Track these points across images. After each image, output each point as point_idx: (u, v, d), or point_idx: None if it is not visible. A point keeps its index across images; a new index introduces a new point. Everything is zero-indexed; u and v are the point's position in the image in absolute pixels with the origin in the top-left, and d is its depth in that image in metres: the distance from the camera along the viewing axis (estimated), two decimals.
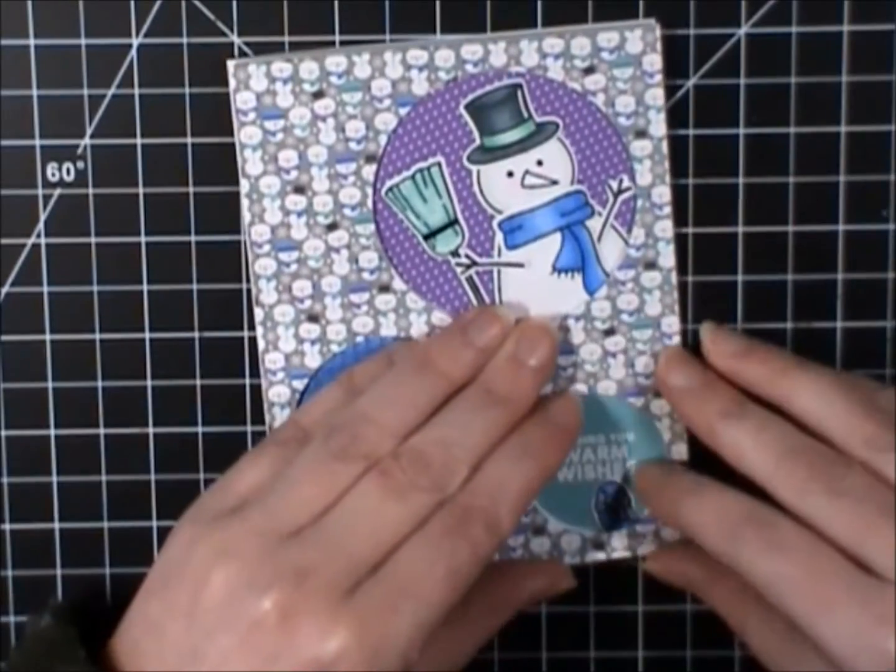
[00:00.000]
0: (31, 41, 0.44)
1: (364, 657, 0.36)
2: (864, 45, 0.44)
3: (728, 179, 0.44)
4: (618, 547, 0.45)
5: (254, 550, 0.37)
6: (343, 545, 0.37)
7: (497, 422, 0.40)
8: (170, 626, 0.37)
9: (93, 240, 0.44)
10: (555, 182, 0.43)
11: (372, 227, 0.43)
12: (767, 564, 0.38)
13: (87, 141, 0.44)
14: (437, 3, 0.43)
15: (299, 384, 0.44)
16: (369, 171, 0.43)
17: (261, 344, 0.44)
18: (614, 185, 0.43)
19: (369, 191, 0.43)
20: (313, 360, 0.44)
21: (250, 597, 0.37)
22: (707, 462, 0.42)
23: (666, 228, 0.43)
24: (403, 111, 0.43)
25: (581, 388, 0.44)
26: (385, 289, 0.43)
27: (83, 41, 0.44)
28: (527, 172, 0.43)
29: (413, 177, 0.43)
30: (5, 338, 0.45)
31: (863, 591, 0.37)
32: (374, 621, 0.37)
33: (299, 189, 0.43)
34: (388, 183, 0.43)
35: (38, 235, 0.44)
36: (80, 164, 0.44)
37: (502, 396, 0.40)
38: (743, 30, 0.44)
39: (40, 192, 0.44)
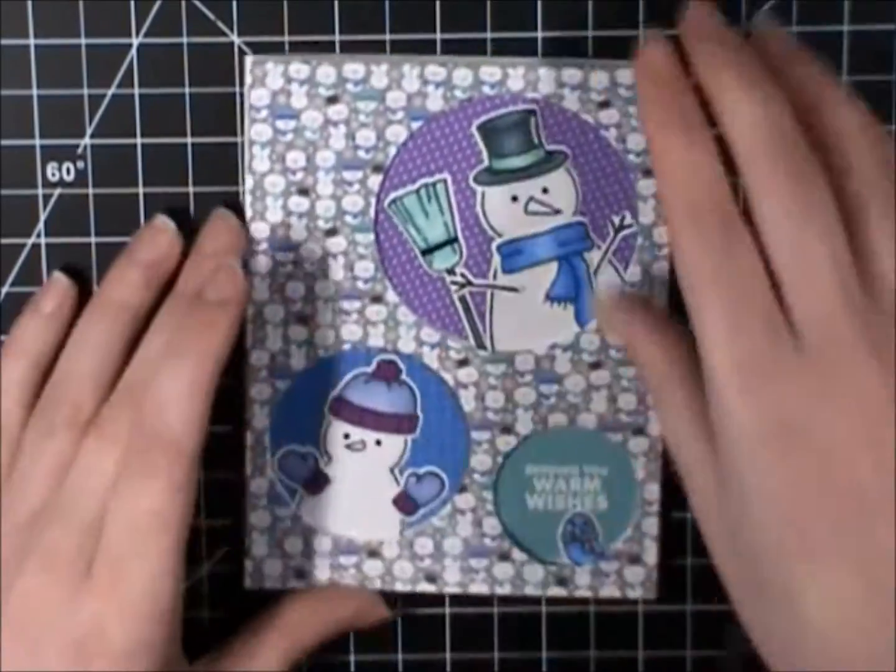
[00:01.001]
0: (31, 41, 0.44)
1: (117, 621, 0.37)
2: (864, 45, 0.44)
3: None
4: (581, 585, 0.44)
5: (4, 545, 0.38)
6: (73, 512, 0.38)
7: (216, 335, 0.39)
8: None
9: (93, 240, 0.44)
10: (558, 211, 0.43)
11: (371, 236, 0.43)
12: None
13: (87, 141, 0.44)
14: (437, 3, 0.44)
15: (282, 384, 0.44)
16: (375, 180, 0.43)
17: (248, 340, 0.44)
18: (616, 220, 0.43)
19: (372, 200, 0.43)
20: (298, 363, 0.44)
21: (5, 592, 0.38)
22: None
23: (663, 269, 0.43)
24: (415, 125, 0.43)
25: (561, 418, 0.44)
26: (377, 299, 0.43)
27: (83, 41, 0.44)
28: (531, 199, 0.43)
29: (418, 191, 0.43)
30: (5, 338, 0.45)
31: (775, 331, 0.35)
32: (113, 585, 0.37)
33: (303, 191, 0.43)
34: (393, 195, 0.43)
35: (38, 235, 0.44)
36: (80, 164, 0.44)
37: (214, 302, 0.40)
38: (743, 30, 0.44)
39: (40, 192, 0.44)
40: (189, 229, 0.43)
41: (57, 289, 0.43)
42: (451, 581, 0.44)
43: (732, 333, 0.35)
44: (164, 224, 0.43)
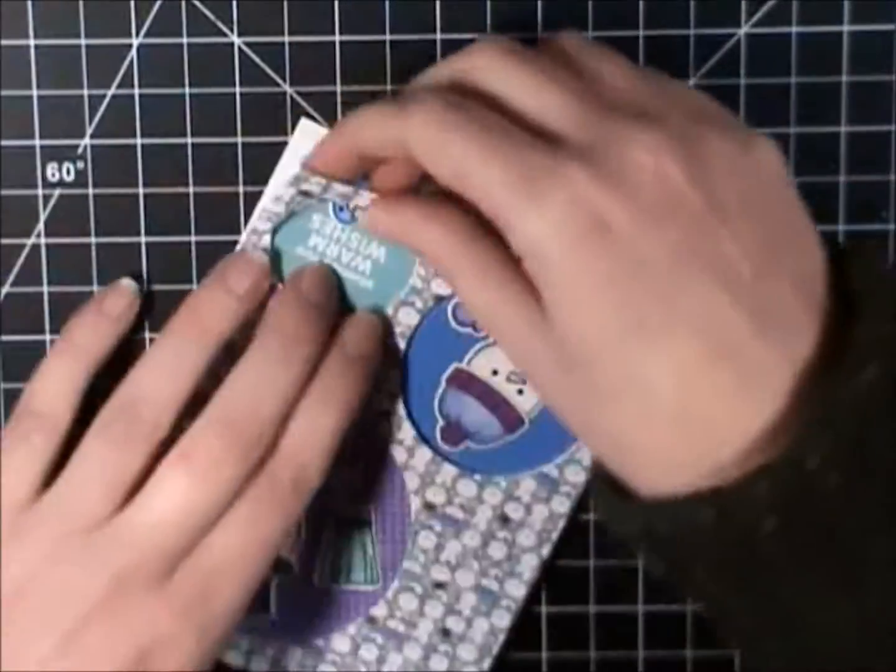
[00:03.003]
0: (31, 41, 0.44)
1: (189, 639, 0.37)
2: (864, 45, 0.44)
3: None
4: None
5: (65, 550, 0.38)
6: (154, 537, 0.38)
7: (295, 366, 0.39)
8: None
9: (93, 240, 0.44)
10: None
11: None
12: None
13: (87, 141, 0.44)
14: (437, 3, 0.44)
15: None
16: None
17: None
18: None
19: None
20: None
21: (68, 601, 0.37)
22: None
23: None
24: None
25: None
26: None
27: (83, 41, 0.44)
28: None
29: None
30: (5, 338, 0.45)
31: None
32: (196, 604, 0.38)
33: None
34: None
35: (38, 235, 0.44)
36: (80, 164, 0.44)
37: (295, 338, 0.40)
38: (743, 30, 0.44)
39: (40, 192, 0.44)
40: None
41: (124, 293, 0.43)
42: None
43: (502, 158, 0.35)
44: (259, 257, 0.42)
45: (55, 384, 0.41)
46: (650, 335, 0.33)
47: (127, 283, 0.44)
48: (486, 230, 0.37)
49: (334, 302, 0.42)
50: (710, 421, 0.33)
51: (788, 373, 0.33)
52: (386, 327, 0.42)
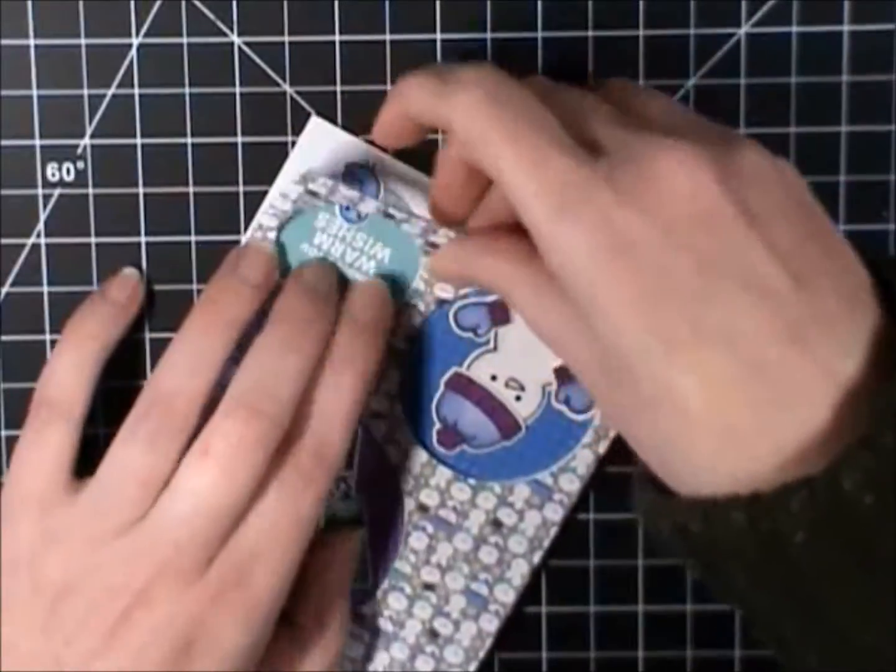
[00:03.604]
0: (31, 41, 0.44)
1: (232, 627, 0.38)
2: (864, 45, 0.44)
3: None
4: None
5: (104, 551, 0.38)
6: (186, 530, 0.38)
7: (307, 350, 0.40)
8: (26, 642, 0.38)
9: (93, 240, 0.44)
10: None
11: None
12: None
13: (87, 141, 0.44)
14: (437, 3, 0.44)
15: None
16: None
17: None
18: None
19: None
20: None
21: (109, 600, 0.38)
22: None
23: None
24: None
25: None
26: None
27: (83, 41, 0.44)
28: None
29: None
30: (5, 338, 0.45)
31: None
32: (236, 591, 0.38)
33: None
34: None
35: (38, 235, 0.44)
36: (80, 164, 0.44)
37: (305, 323, 0.40)
38: (743, 30, 0.44)
39: (40, 192, 0.44)
40: None
41: (128, 281, 0.43)
42: None
43: (533, 166, 0.35)
44: (267, 247, 0.42)
45: (66, 372, 0.41)
46: (680, 350, 0.33)
47: (129, 271, 0.44)
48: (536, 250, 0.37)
49: (336, 294, 0.42)
50: (742, 434, 0.33)
51: (830, 387, 0.33)
52: (389, 291, 0.42)
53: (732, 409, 0.33)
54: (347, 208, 0.42)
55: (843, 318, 0.33)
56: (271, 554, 0.38)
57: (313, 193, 0.42)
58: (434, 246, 0.41)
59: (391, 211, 0.41)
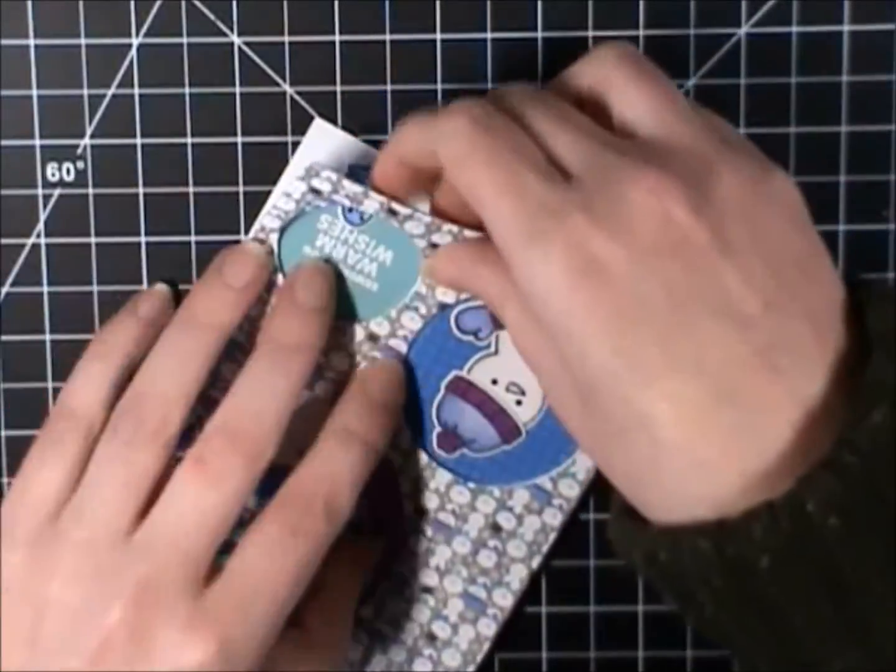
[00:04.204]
0: (31, 41, 0.44)
1: (222, 661, 0.37)
2: (864, 45, 0.44)
3: None
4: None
5: (85, 567, 0.37)
6: (175, 545, 0.37)
7: (295, 374, 0.40)
8: (12, 657, 0.37)
9: (93, 240, 0.44)
10: None
11: None
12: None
13: (87, 141, 0.44)
14: (437, 3, 0.44)
15: None
16: None
17: None
18: None
19: None
20: None
21: (93, 617, 0.37)
22: None
23: None
24: None
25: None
26: None
27: (83, 41, 0.44)
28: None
29: None
30: (5, 338, 0.45)
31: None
32: (230, 625, 0.37)
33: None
34: None
35: (38, 235, 0.44)
36: (80, 164, 0.44)
37: (293, 347, 0.40)
38: (743, 30, 0.44)
39: (40, 192, 0.44)
40: None
41: (158, 297, 0.43)
42: None
43: (508, 190, 0.35)
44: (255, 248, 0.42)
45: (88, 384, 0.41)
46: (649, 376, 0.33)
47: (161, 287, 0.44)
48: None
49: (331, 299, 0.42)
50: (711, 461, 0.33)
51: (796, 411, 0.33)
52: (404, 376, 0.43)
53: (702, 437, 0.33)
54: (350, 210, 0.42)
55: (811, 341, 0.33)
56: (270, 598, 0.38)
57: (316, 191, 0.42)
58: (435, 247, 0.41)
59: (394, 206, 0.41)
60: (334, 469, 0.39)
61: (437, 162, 0.37)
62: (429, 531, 0.44)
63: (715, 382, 0.33)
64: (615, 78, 0.37)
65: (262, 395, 0.39)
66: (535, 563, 0.44)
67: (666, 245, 0.33)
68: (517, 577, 0.44)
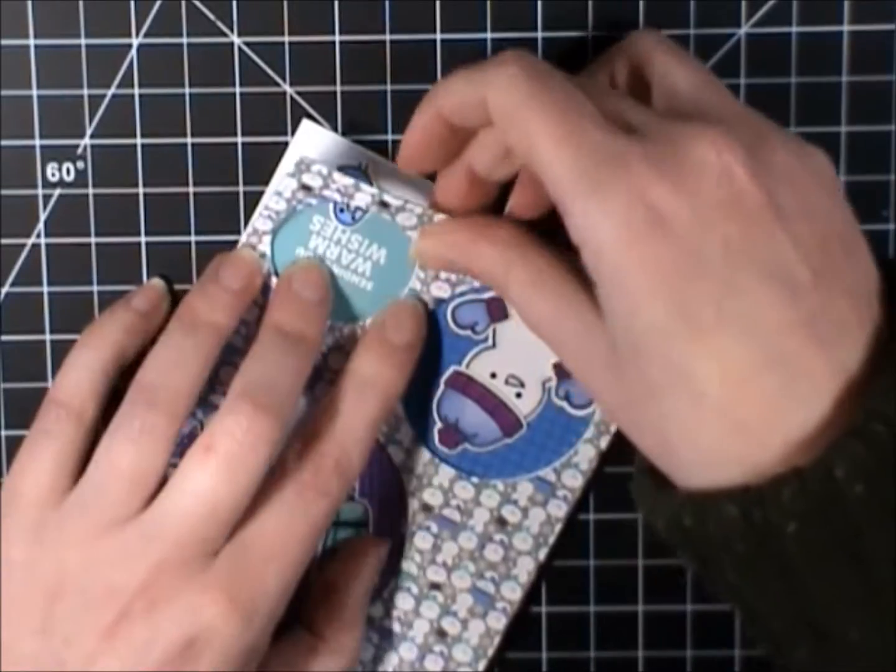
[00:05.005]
0: (31, 41, 0.44)
1: (236, 625, 0.37)
2: (864, 45, 0.44)
3: None
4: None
5: (97, 548, 0.38)
6: (188, 526, 0.38)
7: (300, 359, 0.40)
8: (23, 646, 0.38)
9: (93, 240, 0.44)
10: None
11: None
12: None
13: (87, 141, 0.44)
14: (437, 3, 0.44)
15: None
16: None
17: None
18: None
19: None
20: None
21: (107, 597, 0.37)
22: None
23: None
24: None
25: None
26: None
27: (83, 41, 0.44)
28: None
29: None
30: (5, 338, 0.45)
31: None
32: (242, 589, 0.38)
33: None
34: None
35: (38, 235, 0.44)
36: (80, 164, 0.44)
37: (296, 334, 0.40)
38: (743, 30, 0.44)
39: (40, 192, 0.44)
40: None
41: (153, 292, 0.43)
42: None
43: (568, 140, 0.34)
44: (249, 254, 0.42)
45: (78, 374, 0.41)
46: (700, 333, 0.33)
47: (156, 281, 0.44)
48: (536, 238, 0.38)
49: (328, 297, 0.42)
50: (752, 423, 0.33)
51: (836, 381, 0.33)
52: (424, 314, 0.42)
53: (747, 399, 0.33)
54: (342, 210, 0.42)
55: (853, 316, 0.34)
56: (283, 557, 0.38)
57: (307, 188, 0.41)
58: None
59: (386, 199, 0.41)
60: (346, 424, 0.40)
61: (481, 116, 0.37)
62: (434, 527, 0.44)
63: (764, 345, 0.33)
64: (660, 54, 0.38)
65: (273, 370, 0.39)
66: (542, 555, 0.44)
67: (727, 202, 0.33)
68: (525, 569, 0.44)
